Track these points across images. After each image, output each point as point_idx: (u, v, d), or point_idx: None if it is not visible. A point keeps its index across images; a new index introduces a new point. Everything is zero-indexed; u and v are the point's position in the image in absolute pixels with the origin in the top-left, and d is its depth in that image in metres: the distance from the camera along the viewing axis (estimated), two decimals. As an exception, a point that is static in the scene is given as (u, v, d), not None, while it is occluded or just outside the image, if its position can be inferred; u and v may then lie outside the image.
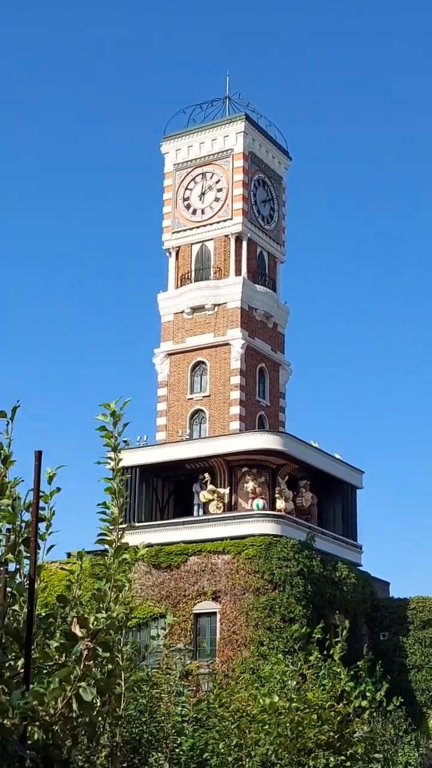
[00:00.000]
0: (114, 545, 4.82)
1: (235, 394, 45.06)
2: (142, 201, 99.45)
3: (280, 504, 41.50)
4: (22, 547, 4.59)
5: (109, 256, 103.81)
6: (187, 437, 44.65)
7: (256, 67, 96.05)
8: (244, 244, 47.32)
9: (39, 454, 4.59)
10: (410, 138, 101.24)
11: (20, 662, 4.36)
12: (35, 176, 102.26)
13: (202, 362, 46.19)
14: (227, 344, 45.70)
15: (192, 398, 45.98)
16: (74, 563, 5.51)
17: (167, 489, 44.48)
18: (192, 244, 48.15)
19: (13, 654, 4.46)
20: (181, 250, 48.33)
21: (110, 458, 5.10)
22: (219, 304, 46.42)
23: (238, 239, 47.26)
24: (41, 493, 4.75)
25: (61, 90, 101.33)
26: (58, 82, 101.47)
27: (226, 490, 42.01)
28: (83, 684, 4.24)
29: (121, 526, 4.90)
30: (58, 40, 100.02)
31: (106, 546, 4.88)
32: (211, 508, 41.74)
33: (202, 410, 45.71)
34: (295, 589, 36.99)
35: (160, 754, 10.62)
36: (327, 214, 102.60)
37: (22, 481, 4.76)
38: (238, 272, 46.79)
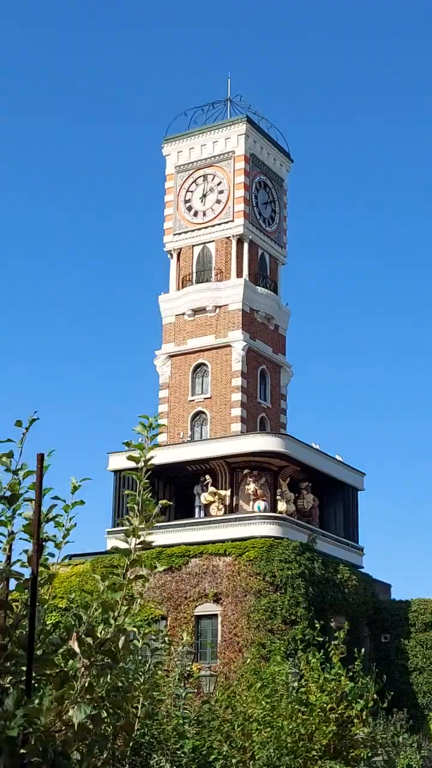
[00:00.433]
0: (131, 557, 4.80)
1: (237, 396, 45.03)
2: (143, 203, 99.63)
3: (281, 506, 41.48)
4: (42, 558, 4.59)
5: (110, 258, 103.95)
6: (189, 439, 44.63)
7: (257, 70, 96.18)
8: (246, 246, 47.30)
9: (41, 457, 4.60)
10: (412, 140, 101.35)
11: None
12: (36, 177, 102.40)
13: (204, 364, 46.16)
14: (228, 346, 45.67)
15: (193, 400, 45.94)
16: (81, 564, 5.47)
17: (168, 491, 44.43)
18: (193, 245, 48.13)
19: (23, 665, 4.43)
20: (183, 251, 48.32)
21: (137, 475, 5.06)
22: (220, 306, 46.39)
23: (240, 241, 47.25)
24: (61, 501, 4.78)
25: (62, 92, 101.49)
26: (59, 83, 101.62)
27: (228, 492, 41.98)
28: (75, 706, 4.18)
29: (138, 544, 4.85)
30: (59, 41, 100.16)
31: (118, 553, 4.84)
32: (213, 510, 41.71)
33: (203, 412, 45.68)
34: (296, 591, 36.94)
35: (161, 756, 10.59)
36: (328, 216, 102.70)
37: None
38: (239, 274, 46.77)
